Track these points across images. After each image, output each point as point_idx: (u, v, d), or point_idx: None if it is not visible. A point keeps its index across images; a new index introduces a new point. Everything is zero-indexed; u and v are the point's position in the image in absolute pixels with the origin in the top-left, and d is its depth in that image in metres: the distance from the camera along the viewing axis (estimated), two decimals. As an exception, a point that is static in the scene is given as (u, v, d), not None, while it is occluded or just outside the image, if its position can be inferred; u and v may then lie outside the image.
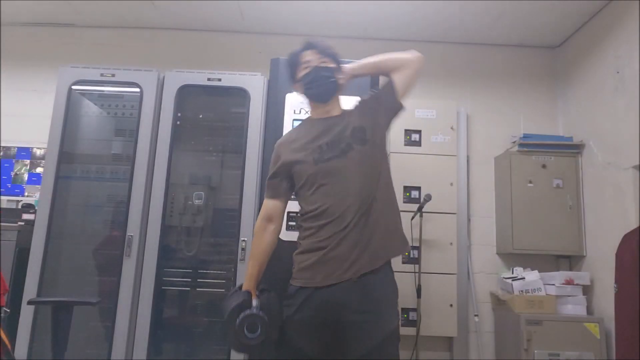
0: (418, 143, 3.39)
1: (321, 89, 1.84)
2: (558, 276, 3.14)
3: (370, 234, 1.71)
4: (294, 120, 2.57)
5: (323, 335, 1.71)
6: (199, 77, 2.95)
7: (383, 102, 1.88)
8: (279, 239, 1.90)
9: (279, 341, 1.73)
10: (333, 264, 1.69)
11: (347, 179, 1.74)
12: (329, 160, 1.76)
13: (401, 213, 3.19)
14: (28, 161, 3.65)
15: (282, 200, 1.87)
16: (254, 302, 1.71)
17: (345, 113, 1.89)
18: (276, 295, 1.79)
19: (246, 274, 1.81)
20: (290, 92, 2.61)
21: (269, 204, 1.86)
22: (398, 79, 1.87)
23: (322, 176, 1.76)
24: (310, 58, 1.85)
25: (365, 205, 1.72)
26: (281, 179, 1.85)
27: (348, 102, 2.57)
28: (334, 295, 1.68)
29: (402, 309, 3.17)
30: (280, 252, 1.90)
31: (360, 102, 1.92)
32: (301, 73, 1.86)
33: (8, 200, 3.55)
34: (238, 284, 2.69)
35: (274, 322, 1.70)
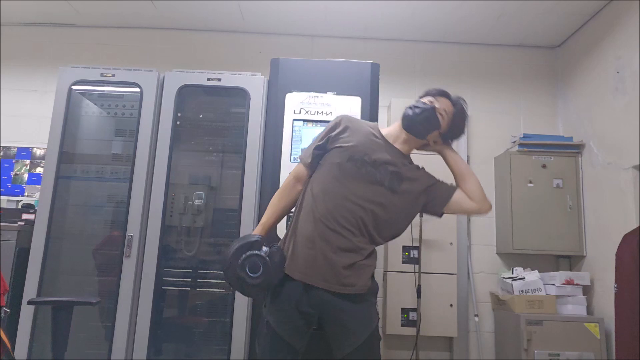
0: (418, 143, 3.38)
1: (414, 124, 1.82)
2: (558, 276, 3.14)
3: (346, 260, 1.70)
4: (294, 120, 2.57)
5: (305, 330, 1.74)
6: (199, 77, 2.95)
7: (433, 196, 1.83)
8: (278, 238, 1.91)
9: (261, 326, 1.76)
10: (308, 264, 1.71)
11: (354, 202, 1.72)
12: (356, 173, 1.75)
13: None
14: (28, 161, 3.65)
15: (311, 172, 1.85)
16: (264, 248, 1.72)
17: (407, 160, 1.86)
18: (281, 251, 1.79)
19: (261, 222, 1.82)
20: (290, 92, 2.61)
21: (301, 168, 1.86)
22: (458, 199, 1.83)
23: (340, 177, 1.75)
24: (445, 107, 1.84)
25: (356, 235, 1.71)
26: (320, 154, 1.83)
27: (350, 102, 2.56)
28: (310, 294, 1.70)
29: (402, 309, 3.17)
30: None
31: (424, 173, 1.88)
32: (424, 99, 1.86)
33: (8, 200, 3.55)
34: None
35: (276, 268, 1.70)
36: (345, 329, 1.70)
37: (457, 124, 1.88)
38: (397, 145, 1.85)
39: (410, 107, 1.84)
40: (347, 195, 1.72)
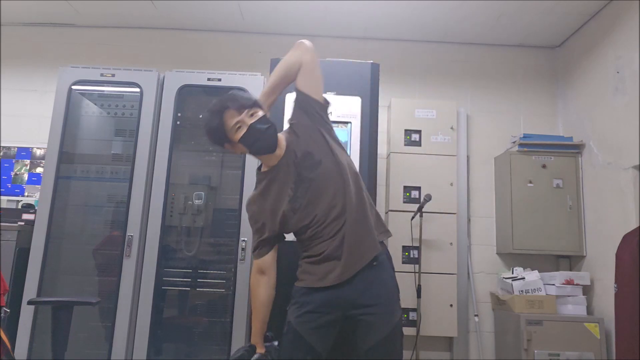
0: (418, 143, 3.39)
1: (267, 142, 1.78)
2: (558, 276, 3.14)
3: (355, 235, 1.74)
4: (294, 120, 2.56)
5: (328, 333, 1.76)
6: (199, 77, 2.95)
7: (308, 111, 1.82)
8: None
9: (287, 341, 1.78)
10: (330, 268, 1.74)
11: (323, 204, 1.75)
12: (302, 199, 1.77)
13: (401, 213, 3.28)
14: (28, 161, 3.65)
15: (272, 254, 1.85)
16: (255, 356, 1.75)
17: (289, 147, 1.83)
18: (277, 347, 1.82)
19: (252, 329, 1.83)
20: (290, 92, 2.60)
21: (258, 260, 1.85)
22: (301, 82, 1.81)
23: (304, 217, 1.77)
24: (238, 117, 1.76)
25: (345, 213, 1.75)
26: (271, 245, 1.84)
27: (350, 102, 2.56)
28: (335, 294, 1.73)
29: (402, 308, 3.15)
30: (279, 253, 1.90)
31: (292, 126, 1.86)
32: (237, 135, 1.77)
33: (8, 200, 3.55)
34: (238, 284, 2.72)
35: None
36: (367, 323, 1.72)
37: (251, 101, 1.81)
38: (278, 157, 1.82)
39: (252, 147, 1.78)
40: (318, 214, 1.75)
